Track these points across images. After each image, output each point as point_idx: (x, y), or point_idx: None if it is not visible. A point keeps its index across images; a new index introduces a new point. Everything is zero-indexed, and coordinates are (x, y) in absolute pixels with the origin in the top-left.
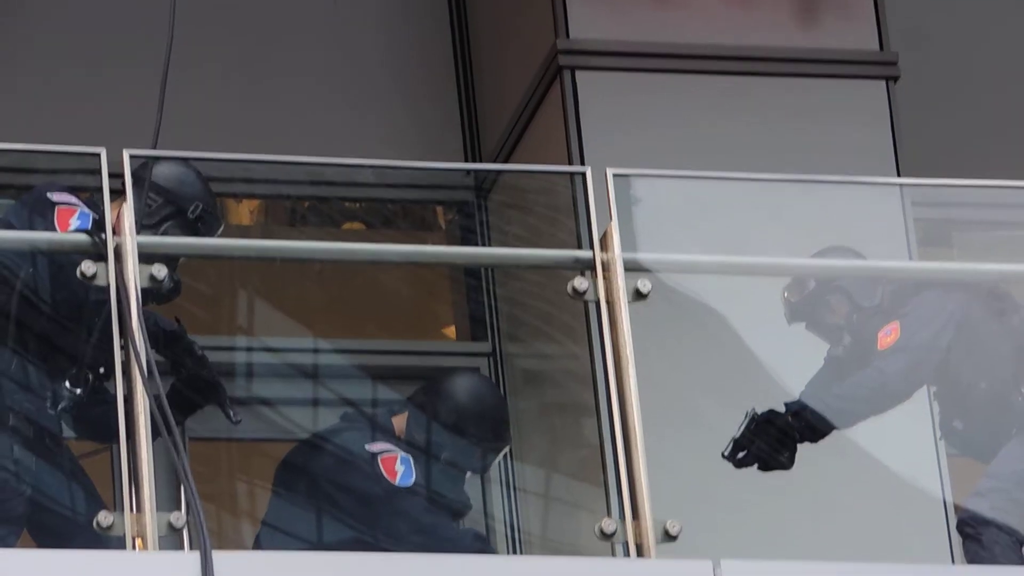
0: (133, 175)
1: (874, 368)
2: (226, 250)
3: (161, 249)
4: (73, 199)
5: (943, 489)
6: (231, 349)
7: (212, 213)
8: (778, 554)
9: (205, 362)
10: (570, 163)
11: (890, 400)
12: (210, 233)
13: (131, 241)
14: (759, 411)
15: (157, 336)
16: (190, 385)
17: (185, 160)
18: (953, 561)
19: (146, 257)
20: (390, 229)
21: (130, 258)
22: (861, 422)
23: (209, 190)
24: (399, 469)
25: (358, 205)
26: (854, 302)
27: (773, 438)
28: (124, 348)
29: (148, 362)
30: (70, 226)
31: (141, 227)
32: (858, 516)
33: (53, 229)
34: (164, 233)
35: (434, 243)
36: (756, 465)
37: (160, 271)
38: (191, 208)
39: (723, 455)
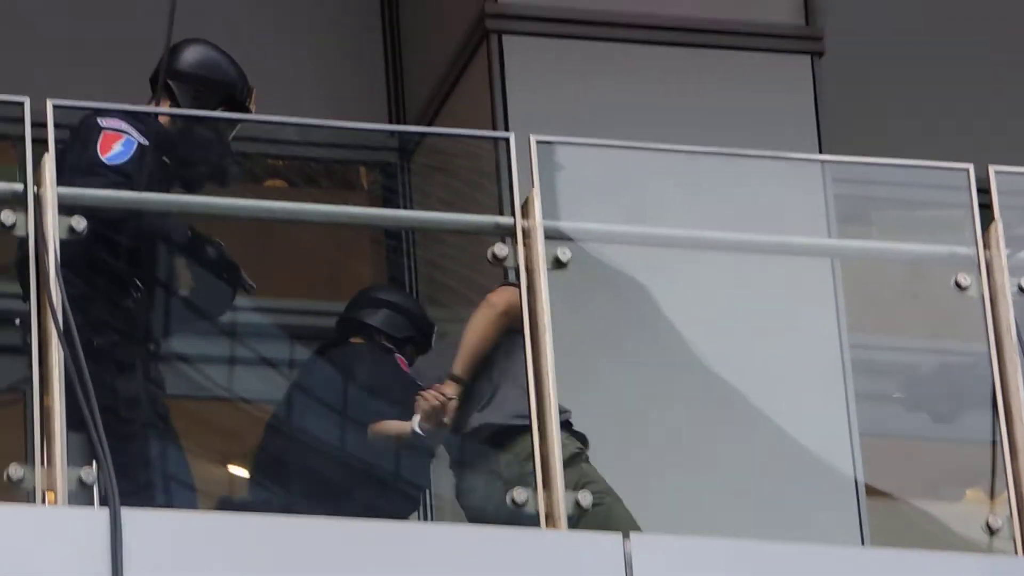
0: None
1: None
2: (145, 204)
3: (81, 200)
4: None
5: (855, 469)
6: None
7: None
8: (689, 529)
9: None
10: (494, 128)
11: None
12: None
13: (51, 192)
14: None
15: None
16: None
17: (213, 45)
18: (863, 542)
19: (66, 208)
20: (312, 187)
21: (50, 209)
22: None
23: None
24: None
25: (281, 162)
26: None
27: None
28: (39, 299)
29: (65, 313)
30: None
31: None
32: (770, 494)
33: None
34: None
35: (356, 203)
36: None
37: (79, 223)
38: (240, 90)
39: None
